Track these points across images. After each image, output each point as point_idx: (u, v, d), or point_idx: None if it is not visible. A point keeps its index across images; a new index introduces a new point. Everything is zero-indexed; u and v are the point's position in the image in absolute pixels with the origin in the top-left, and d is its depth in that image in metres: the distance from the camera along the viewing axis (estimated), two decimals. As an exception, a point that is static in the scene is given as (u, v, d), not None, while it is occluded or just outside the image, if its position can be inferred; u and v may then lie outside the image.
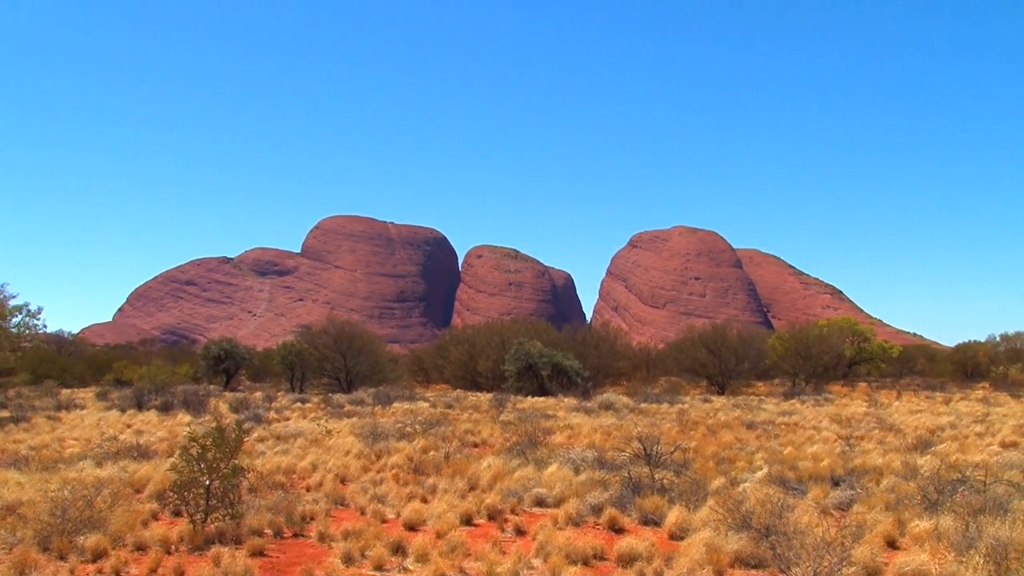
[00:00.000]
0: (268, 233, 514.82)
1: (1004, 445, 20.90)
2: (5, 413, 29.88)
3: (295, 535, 11.45)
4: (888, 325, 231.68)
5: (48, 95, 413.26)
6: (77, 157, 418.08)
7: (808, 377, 50.86)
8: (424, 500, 13.32)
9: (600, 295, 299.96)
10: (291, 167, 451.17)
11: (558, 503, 13.06)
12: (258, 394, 40.16)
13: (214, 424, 12.21)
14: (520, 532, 11.55)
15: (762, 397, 41.23)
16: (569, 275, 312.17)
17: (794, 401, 37.03)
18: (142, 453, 18.09)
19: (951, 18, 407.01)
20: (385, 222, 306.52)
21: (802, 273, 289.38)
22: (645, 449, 15.05)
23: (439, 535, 10.93)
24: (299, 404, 34.35)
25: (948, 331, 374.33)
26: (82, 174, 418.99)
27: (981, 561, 9.05)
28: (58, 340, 78.94)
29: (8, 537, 10.52)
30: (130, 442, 20.10)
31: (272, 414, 29.24)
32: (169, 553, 10.29)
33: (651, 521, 12.02)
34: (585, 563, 9.74)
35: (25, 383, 45.00)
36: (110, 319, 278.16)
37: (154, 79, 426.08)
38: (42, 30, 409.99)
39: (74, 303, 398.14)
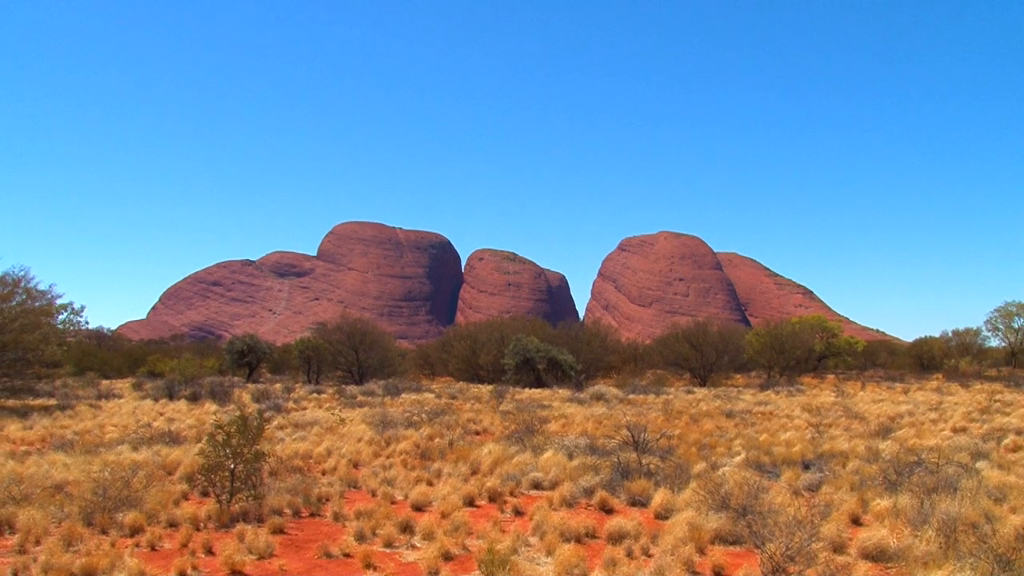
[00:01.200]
0: (287, 238, 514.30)
1: (955, 430, 21.02)
2: (52, 401, 29.92)
3: (312, 515, 11.50)
4: (854, 322, 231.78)
5: (84, 116, 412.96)
6: (118, 174, 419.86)
7: (782, 370, 50.84)
8: (430, 483, 13.34)
9: (592, 295, 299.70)
10: (308, 177, 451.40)
11: (553, 486, 13.09)
12: (278, 386, 40.12)
13: (238, 413, 12.23)
14: (518, 513, 11.58)
15: (740, 388, 41.23)
16: (563, 276, 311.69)
17: (769, 392, 37.05)
18: (173, 439, 18.13)
19: (910, 21, 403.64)
20: (394, 227, 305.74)
21: (776, 274, 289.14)
22: (633, 436, 15.09)
23: (444, 515, 10.96)
24: (315, 395, 34.33)
25: (907, 327, 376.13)
26: (121, 187, 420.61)
27: (933, 534, 9.17)
28: (98, 335, 79.00)
29: (57, 513, 10.65)
30: (162, 429, 20.18)
31: (291, 404, 29.25)
32: (198, 530, 10.35)
33: (638, 502, 12.06)
34: (578, 541, 9.78)
35: (70, 374, 45.03)
36: (144, 316, 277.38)
37: (195, 104, 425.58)
38: (68, 40, 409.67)
39: (112, 302, 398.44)
